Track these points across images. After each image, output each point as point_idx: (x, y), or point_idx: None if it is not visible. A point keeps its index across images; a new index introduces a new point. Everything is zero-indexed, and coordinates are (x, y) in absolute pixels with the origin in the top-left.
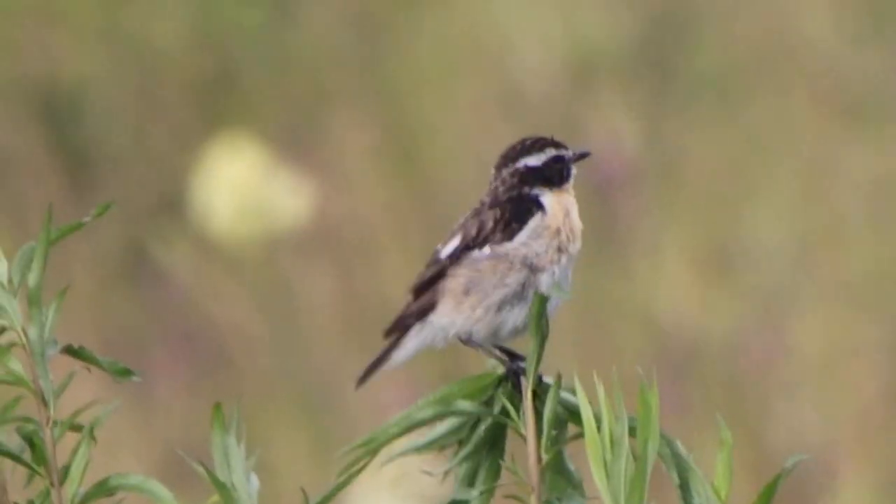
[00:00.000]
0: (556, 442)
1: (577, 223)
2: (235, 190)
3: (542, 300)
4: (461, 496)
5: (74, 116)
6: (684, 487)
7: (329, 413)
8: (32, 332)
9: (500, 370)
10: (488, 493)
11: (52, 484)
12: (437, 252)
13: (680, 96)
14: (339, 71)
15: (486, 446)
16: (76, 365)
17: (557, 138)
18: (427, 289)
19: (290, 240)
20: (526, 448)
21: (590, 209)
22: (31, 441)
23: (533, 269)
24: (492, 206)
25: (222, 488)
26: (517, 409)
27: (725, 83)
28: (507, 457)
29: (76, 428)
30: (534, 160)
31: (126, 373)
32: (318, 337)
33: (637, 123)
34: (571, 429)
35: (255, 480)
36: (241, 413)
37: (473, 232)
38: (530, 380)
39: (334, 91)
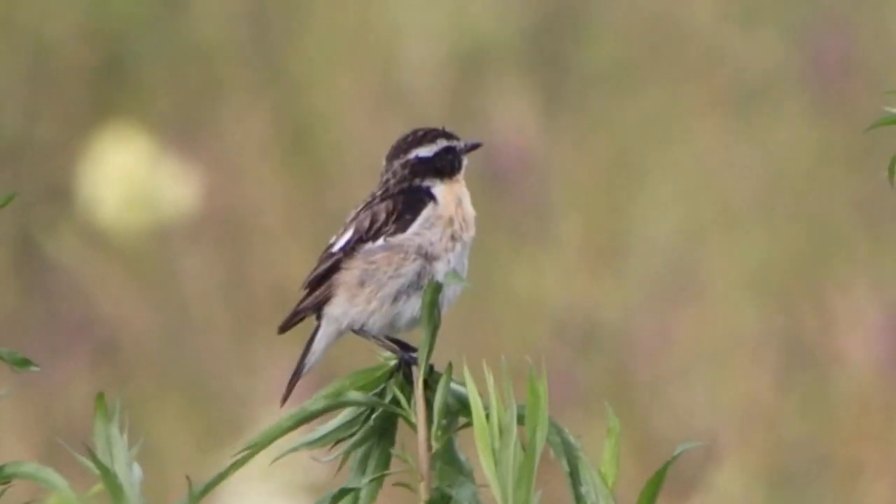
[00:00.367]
0: (447, 431)
1: (470, 211)
2: (123, 179)
3: (436, 288)
4: (351, 484)
5: None
6: (573, 474)
7: (217, 402)
8: None
9: (393, 362)
10: (378, 481)
11: None
12: (329, 246)
13: (572, 87)
14: (230, 61)
15: (376, 436)
16: None
17: (449, 129)
18: (321, 283)
19: (179, 229)
20: (412, 439)
21: (483, 199)
22: None
23: (428, 258)
24: (384, 198)
25: (107, 476)
26: (408, 399)
27: (617, 74)
28: (398, 447)
29: None
30: (425, 151)
31: (25, 363)
32: (207, 326)
33: (530, 113)
34: (462, 419)
35: (137, 469)
36: (126, 402)
37: (367, 224)
38: (421, 369)
39: (225, 81)
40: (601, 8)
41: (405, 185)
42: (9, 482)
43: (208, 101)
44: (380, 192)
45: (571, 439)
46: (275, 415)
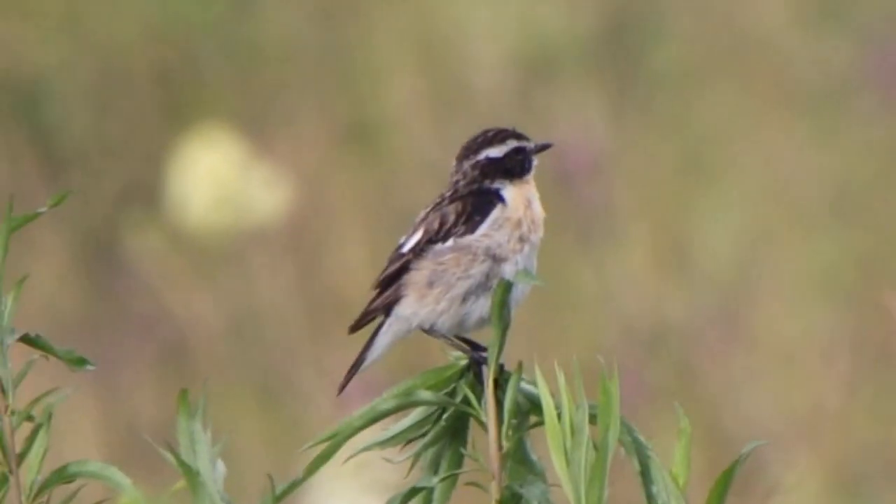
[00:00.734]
0: (518, 431)
1: (539, 212)
2: (212, 181)
3: (506, 288)
4: (423, 483)
5: (37, 108)
6: (644, 474)
7: (290, 402)
8: None
9: (464, 361)
10: (450, 480)
11: (10, 471)
12: (399, 246)
13: (640, 88)
14: (296, 64)
15: (447, 435)
16: (37, 353)
17: (519, 130)
18: (391, 283)
19: (264, 232)
20: (484, 439)
21: (551, 199)
22: None
23: (496, 260)
24: (453, 199)
25: (189, 473)
26: (479, 399)
27: (686, 75)
28: (469, 446)
29: (32, 419)
30: (495, 151)
31: (81, 362)
32: (278, 326)
33: (598, 115)
34: (533, 418)
35: (221, 466)
36: (208, 400)
37: (436, 226)
38: (491, 369)
39: (292, 83)
40: (670, 9)
41: (475, 186)
42: (72, 481)
43: (276, 104)
44: (449, 193)
45: (643, 439)
46: (344, 413)
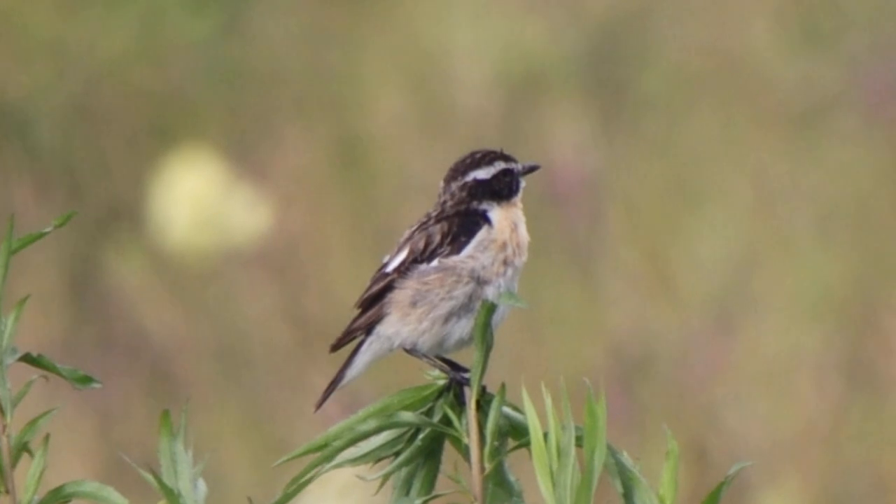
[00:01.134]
0: (498, 452)
1: (524, 237)
2: (194, 203)
3: (489, 309)
4: None
5: (23, 128)
6: (627, 496)
7: (275, 423)
8: None
9: (442, 381)
10: (430, 501)
11: (6, 490)
12: (383, 266)
13: (626, 109)
14: (284, 85)
15: (422, 456)
16: (33, 372)
17: (506, 151)
18: (374, 302)
19: (247, 253)
20: (463, 459)
21: (538, 220)
22: None
23: (480, 282)
24: (439, 219)
25: (170, 493)
26: (459, 420)
27: (673, 96)
28: (451, 467)
29: (26, 449)
30: (483, 173)
31: (86, 380)
32: (263, 346)
33: (585, 136)
34: (513, 441)
35: (202, 486)
36: (188, 420)
37: (421, 245)
38: (475, 390)
39: (280, 105)
40: (657, 31)
41: (462, 207)
42: (67, 501)
43: (263, 125)
44: (435, 213)
45: (626, 461)
46: (323, 428)
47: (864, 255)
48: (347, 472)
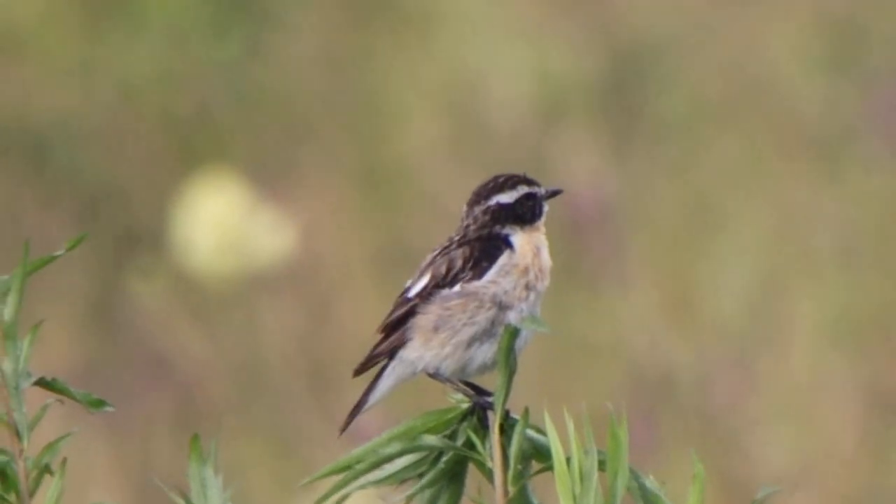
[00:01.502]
0: (521, 476)
1: (547, 262)
2: (217, 226)
3: (513, 334)
4: None
5: (47, 151)
6: None
7: (300, 447)
8: (7, 366)
9: (465, 405)
10: None
11: None
12: (405, 290)
13: (647, 133)
14: (310, 107)
15: (445, 478)
16: (49, 396)
17: (530, 175)
18: (397, 327)
19: (268, 277)
20: (486, 482)
21: (560, 245)
22: (3, 472)
23: (501, 307)
24: (461, 244)
25: None
26: (483, 443)
27: (693, 120)
28: (475, 491)
29: (45, 468)
30: (506, 197)
31: (99, 403)
32: (286, 370)
33: (606, 160)
34: (537, 464)
35: None
36: (218, 445)
37: (443, 270)
38: (498, 414)
39: (306, 127)
40: (676, 55)
41: (484, 231)
42: None
43: (290, 148)
44: (458, 238)
45: (651, 485)
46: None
47: (886, 280)
48: (371, 494)
